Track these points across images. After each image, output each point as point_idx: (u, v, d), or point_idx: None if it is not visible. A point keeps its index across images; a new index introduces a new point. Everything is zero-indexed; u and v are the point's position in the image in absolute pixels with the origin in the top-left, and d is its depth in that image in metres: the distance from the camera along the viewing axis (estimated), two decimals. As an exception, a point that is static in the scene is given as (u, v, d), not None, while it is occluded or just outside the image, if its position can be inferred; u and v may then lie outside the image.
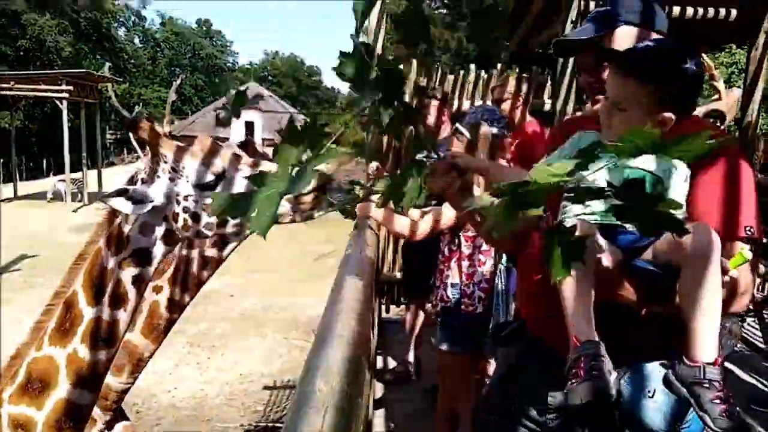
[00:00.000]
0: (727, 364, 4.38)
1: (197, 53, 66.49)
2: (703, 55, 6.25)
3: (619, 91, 1.31)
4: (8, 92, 19.68)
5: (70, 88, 19.67)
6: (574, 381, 1.13)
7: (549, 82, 5.52)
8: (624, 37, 1.47)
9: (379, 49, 4.53)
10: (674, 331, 1.25)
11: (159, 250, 1.79)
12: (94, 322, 1.74)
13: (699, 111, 5.46)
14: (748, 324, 5.66)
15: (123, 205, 1.67)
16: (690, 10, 4.44)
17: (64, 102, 20.27)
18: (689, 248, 1.13)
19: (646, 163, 1.25)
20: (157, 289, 2.10)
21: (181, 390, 5.86)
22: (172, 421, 5.23)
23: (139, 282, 1.79)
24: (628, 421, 1.33)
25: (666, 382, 1.16)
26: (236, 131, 30.91)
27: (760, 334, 5.01)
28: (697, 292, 1.13)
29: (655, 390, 1.31)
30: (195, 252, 2.11)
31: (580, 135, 1.45)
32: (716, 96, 5.77)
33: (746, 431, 1.08)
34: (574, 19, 4.11)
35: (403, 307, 5.44)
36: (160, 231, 1.77)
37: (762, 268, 5.98)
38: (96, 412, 2.06)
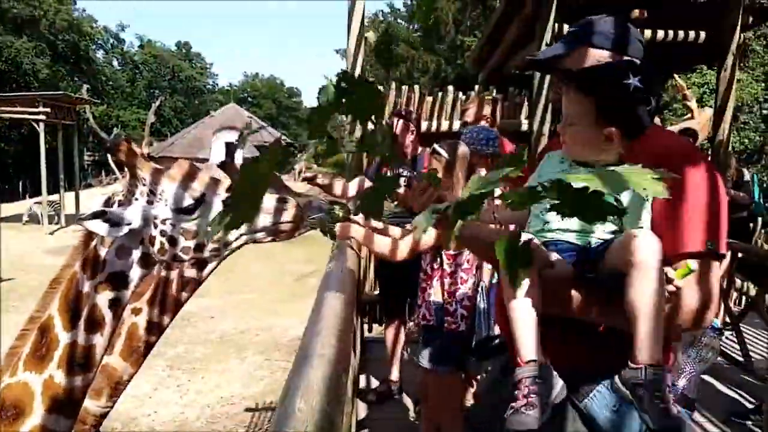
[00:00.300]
0: (706, 377, 4.43)
1: (176, 75, 66.37)
2: (676, 75, 6.41)
3: (568, 106, 1.35)
4: (-16, 114, 19.48)
5: (48, 110, 19.49)
6: (513, 405, 1.16)
7: (526, 103, 5.62)
8: (590, 59, 1.49)
9: (358, 71, 4.58)
10: None
11: (135, 273, 1.77)
12: (70, 347, 1.71)
13: (672, 129, 5.58)
14: (726, 337, 5.74)
15: (100, 227, 1.66)
16: (661, 33, 4.57)
17: (41, 124, 20.08)
18: (631, 254, 1.15)
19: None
20: (136, 312, 2.07)
21: (162, 414, 5.77)
22: (151, 447, 5.15)
23: (116, 306, 1.77)
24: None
25: (614, 386, 1.19)
26: (216, 152, 30.84)
27: (738, 347, 5.08)
28: (639, 296, 1.15)
29: (619, 404, 1.32)
30: (174, 273, 2.10)
31: (548, 155, 1.50)
32: (689, 115, 5.90)
33: (682, 428, 1.11)
34: (548, 42, 4.20)
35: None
36: (136, 254, 1.76)
37: (738, 282, 6.10)
38: (74, 437, 2.03)
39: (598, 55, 1.47)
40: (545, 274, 1.25)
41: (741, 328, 5.10)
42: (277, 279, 11.75)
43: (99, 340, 1.75)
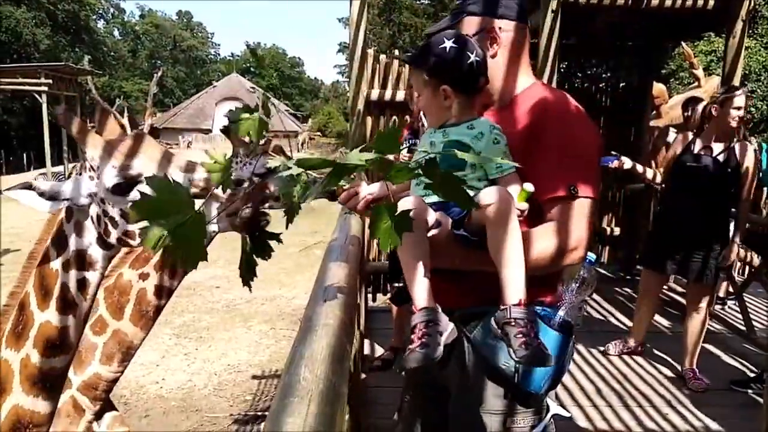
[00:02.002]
0: (708, 345, 4.47)
1: (178, 45, 65.75)
2: (683, 43, 6.32)
3: (415, 82, 1.56)
4: (-14, 86, 19.41)
5: (49, 81, 19.38)
6: (410, 346, 1.30)
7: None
8: (465, 27, 1.61)
9: (361, 40, 4.53)
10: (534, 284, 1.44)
11: (96, 253, 1.68)
12: (44, 327, 1.66)
13: (679, 98, 5.53)
14: (729, 307, 5.77)
15: (24, 197, 1.62)
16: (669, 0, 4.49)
17: (44, 95, 20.00)
18: (484, 210, 1.30)
19: (459, 136, 1.45)
20: (144, 277, 2.09)
21: (169, 381, 5.86)
22: (160, 412, 5.23)
23: (84, 287, 1.68)
24: (480, 359, 1.52)
25: (489, 326, 1.34)
26: (219, 123, 30.73)
27: (740, 316, 5.11)
28: (498, 245, 1.31)
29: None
30: None
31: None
32: (696, 83, 5.84)
33: (541, 356, 1.26)
34: (554, 9, 4.14)
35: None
36: (93, 233, 1.66)
37: (742, 252, 6.11)
38: (85, 402, 2.07)
39: (474, 23, 1.61)
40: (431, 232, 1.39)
41: (744, 297, 5.11)
42: (282, 249, 11.66)
43: (71, 322, 1.67)
